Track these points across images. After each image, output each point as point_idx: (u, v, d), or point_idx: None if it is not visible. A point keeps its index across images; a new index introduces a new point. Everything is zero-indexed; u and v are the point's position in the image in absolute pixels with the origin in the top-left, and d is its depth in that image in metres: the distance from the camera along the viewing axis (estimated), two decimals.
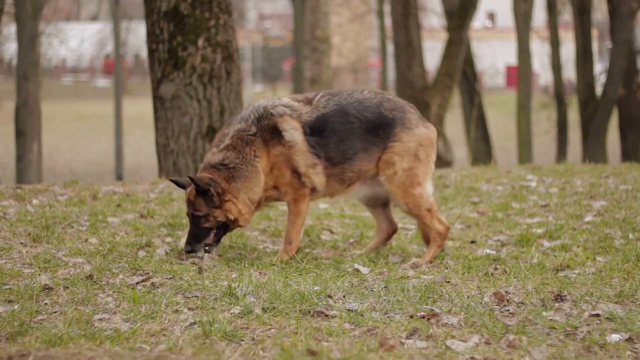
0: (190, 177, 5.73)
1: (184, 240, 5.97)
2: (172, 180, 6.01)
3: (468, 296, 4.81)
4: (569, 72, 31.40)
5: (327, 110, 5.86)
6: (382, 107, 5.91)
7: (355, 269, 5.53)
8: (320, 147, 5.83)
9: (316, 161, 5.84)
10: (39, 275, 5.16)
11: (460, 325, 4.36)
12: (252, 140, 5.79)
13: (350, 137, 5.85)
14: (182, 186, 5.92)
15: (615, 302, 4.73)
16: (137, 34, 45.52)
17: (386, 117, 5.89)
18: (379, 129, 5.88)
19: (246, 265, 5.61)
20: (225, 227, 5.84)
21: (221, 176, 5.76)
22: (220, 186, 5.74)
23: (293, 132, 5.80)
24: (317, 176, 5.88)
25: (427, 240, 6.15)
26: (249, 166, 5.79)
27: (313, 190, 5.94)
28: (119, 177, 26.88)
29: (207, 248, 5.83)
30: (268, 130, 5.79)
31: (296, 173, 5.84)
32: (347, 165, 5.89)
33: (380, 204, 6.25)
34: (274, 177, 5.85)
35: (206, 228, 5.78)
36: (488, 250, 6.14)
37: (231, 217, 5.77)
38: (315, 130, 5.82)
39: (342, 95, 5.93)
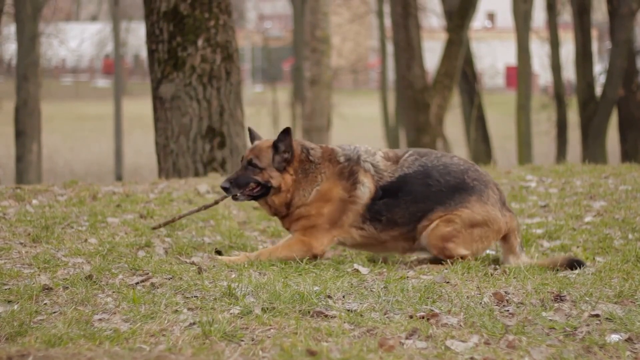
0: (287, 128, 5.73)
1: (222, 179, 5.95)
2: (249, 129, 5.98)
3: (468, 296, 4.81)
4: (569, 73, 31.40)
5: (410, 170, 5.75)
6: (466, 174, 5.76)
7: (355, 269, 5.53)
8: (388, 208, 5.71)
9: (363, 226, 5.75)
10: (39, 275, 5.16)
11: (460, 325, 4.35)
12: (334, 163, 5.78)
13: (425, 200, 5.72)
14: (253, 138, 5.92)
15: (615, 303, 4.73)
16: (136, 34, 45.50)
17: (467, 183, 5.74)
18: (456, 193, 5.72)
19: (246, 266, 5.61)
20: (266, 191, 5.76)
21: (300, 157, 5.78)
22: (294, 160, 5.74)
23: (365, 191, 5.73)
24: (358, 237, 5.79)
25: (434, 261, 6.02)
26: (314, 174, 5.77)
27: (342, 244, 5.89)
28: (119, 178, 26.90)
29: (238, 195, 5.75)
30: (350, 171, 5.75)
31: (333, 227, 5.76)
32: (413, 225, 5.75)
33: None
34: (318, 212, 5.75)
35: (253, 179, 5.72)
36: (488, 251, 6.14)
37: (283, 186, 5.72)
38: (391, 191, 5.72)
39: (429, 157, 5.81)
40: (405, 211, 5.74)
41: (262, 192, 5.76)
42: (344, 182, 5.76)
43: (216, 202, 6.33)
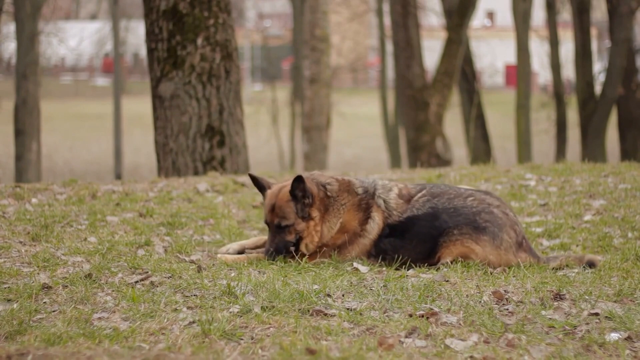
0: (299, 176, 5.57)
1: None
2: (251, 176, 5.80)
3: (467, 295, 4.81)
4: (568, 72, 31.43)
5: (419, 212, 5.66)
6: (478, 215, 5.62)
7: (355, 267, 5.53)
8: (394, 247, 5.64)
9: (367, 260, 5.68)
10: (38, 274, 5.16)
11: (460, 324, 4.35)
12: (352, 195, 5.72)
13: (431, 241, 5.62)
14: (260, 186, 5.78)
15: (614, 301, 4.73)
16: (136, 33, 45.54)
17: (479, 224, 5.59)
18: (469, 226, 5.59)
19: (245, 264, 5.61)
20: (297, 244, 5.67)
21: (320, 196, 5.68)
22: (315, 200, 5.64)
23: (374, 226, 5.68)
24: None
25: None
26: (335, 208, 5.69)
27: None
28: (118, 176, 26.89)
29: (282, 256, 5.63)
30: (366, 204, 5.70)
31: (338, 251, 5.69)
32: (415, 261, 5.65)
33: None
34: (336, 237, 5.69)
35: (290, 242, 5.63)
36: None
37: (312, 230, 5.61)
38: (397, 231, 5.66)
39: (441, 199, 5.68)
40: (411, 251, 5.64)
41: (297, 246, 5.68)
42: (360, 214, 5.70)
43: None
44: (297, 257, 5.64)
